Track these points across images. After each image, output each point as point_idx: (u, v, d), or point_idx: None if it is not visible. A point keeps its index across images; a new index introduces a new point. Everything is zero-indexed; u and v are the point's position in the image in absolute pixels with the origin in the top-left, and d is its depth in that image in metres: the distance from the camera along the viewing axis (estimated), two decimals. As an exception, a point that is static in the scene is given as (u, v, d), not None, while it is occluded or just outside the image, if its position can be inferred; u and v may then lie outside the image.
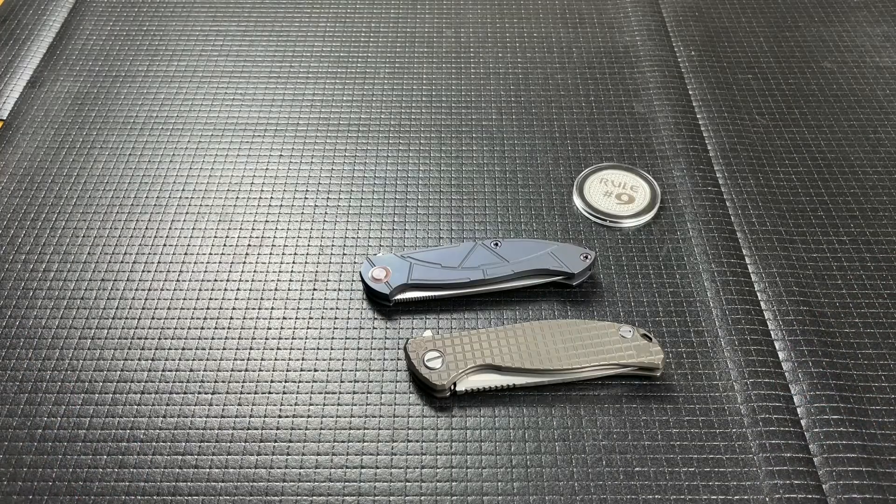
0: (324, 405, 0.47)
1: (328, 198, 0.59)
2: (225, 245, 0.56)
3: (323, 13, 0.76)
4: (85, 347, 0.50)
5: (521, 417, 0.47)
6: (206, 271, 0.54)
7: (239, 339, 0.50)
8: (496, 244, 0.53)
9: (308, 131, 0.64)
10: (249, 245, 0.56)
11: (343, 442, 0.46)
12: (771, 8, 0.77)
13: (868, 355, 0.50)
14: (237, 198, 0.59)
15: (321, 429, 0.46)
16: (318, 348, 0.50)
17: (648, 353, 0.47)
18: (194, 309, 0.52)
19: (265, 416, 0.47)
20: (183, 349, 0.50)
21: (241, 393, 0.48)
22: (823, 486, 0.44)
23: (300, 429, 0.46)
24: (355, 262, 0.55)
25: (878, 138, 0.64)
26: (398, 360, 0.49)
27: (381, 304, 0.52)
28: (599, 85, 0.68)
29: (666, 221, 0.58)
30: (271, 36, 0.73)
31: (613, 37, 0.73)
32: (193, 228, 0.57)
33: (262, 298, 0.53)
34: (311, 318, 0.52)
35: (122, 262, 0.55)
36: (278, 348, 0.50)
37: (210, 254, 0.55)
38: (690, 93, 0.68)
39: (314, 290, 0.53)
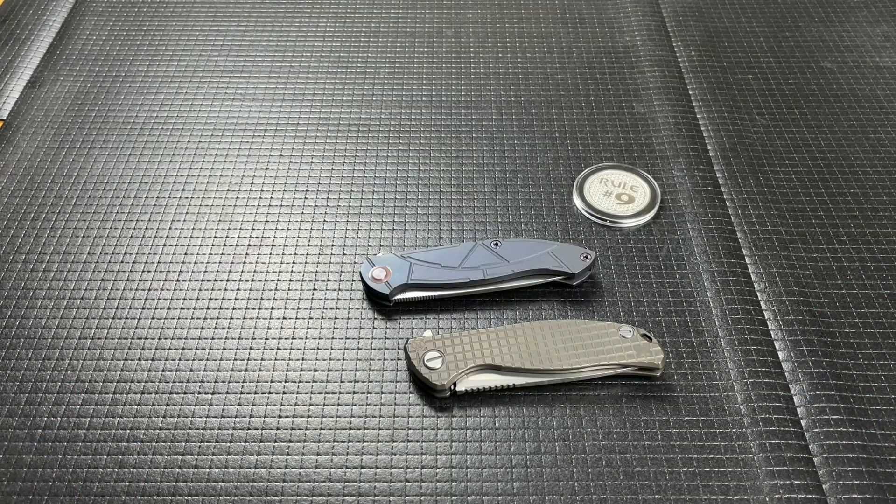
0: (324, 405, 0.47)
1: (328, 198, 0.59)
2: (225, 245, 0.56)
3: (323, 13, 0.76)
4: (85, 347, 0.50)
5: (521, 417, 0.47)
6: (206, 271, 0.54)
7: (239, 339, 0.50)
8: (496, 244, 0.53)
9: (308, 131, 0.64)
10: (249, 245, 0.56)
11: (343, 442, 0.46)
12: (771, 8, 0.77)
13: (868, 355, 0.50)
14: (237, 198, 0.59)
15: (321, 429, 0.46)
16: (318, 348, 0.50)
17: (648, 353, 0.47)
18: (194, 309, 0.52)
19: (265, 416, 0.47)
20: (183, 349, 0.50)
21: (241, 393, 0.48)
22: (823, 486, 0.44)
23: (300, 429, 0.46)
24: (355, 262, 0.55)
25: (878, 138, 0.64)
26: (398, 360, 0.49)
27: (381, 304, 0.52)
28: (599, 85, 0.68)
29: (666, 221, 0.58)
30: (271, 36, 0.73)
31: (613, 37, 0.73)
32: (193, 228, 0.57)
33: (262, 298, 0.53)
34: (311, 318, 0.52)
35: (122, 262, 0.55)
36: (278, 348, 0.50)
37: (210, 254, 0.55)
38: (690, 93, 0.68)
39: (314, 290, 0.53)
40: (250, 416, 0.47)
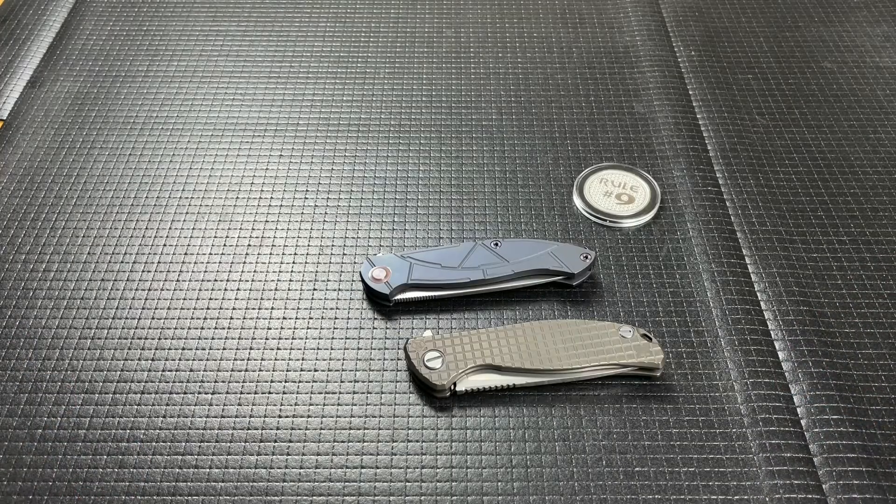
0: (324, 405, 0.47)
1: (328, 198, 0.59)
2: (225, 245, 0.56)
3: (323, 13, 0.76)
4: (85, 347, 0.50)
5: (521, 417, 0.47)
6: (206, 271, 0.54)
7: (239, 339, 0.50)
8: (496, 244, 0.53)
9: (308, 131, 0.64)
10: (249, 245, 0.56)
11: (343, 442, 0.46)
12: (771, 8, 0.77)
13: (868, 355, 0.50)
14: (237, 198, 0.59)
15: (321, 429, 0.46)
16: (318, 348, 0.50)
17: (648, 353, 0.47)
18: (194, 309, 0.52)
19: (265, 416, 0.47)
20: (183, 349, 0.50)
21: (241, 393, 0.48)
22: (823, 486, 0.44)
23: (300, 429, 0.46)
24: (355, 262, 0.55)
25: (878, 138, 0.64)
26: (398, 360, 0.49)
27: (381, 304, 0.52)
28: (599, 85, 0.68)
29: (666, 221, 0.58)
30: (271, 36, 0.73)
31: (613, 37, 0.73)
32: (193, 228, 0.57)
33: (262, 298, 0.53)
34: (311, 318, 0.52)
35: (122, 262, 0.55)
36: (278, 348, 0.50)
37: (210, 254, 0.55)
38: (690, 93, 0.68)
39: (314, 290, 0.53)
40: (250, 416, 0.47)
